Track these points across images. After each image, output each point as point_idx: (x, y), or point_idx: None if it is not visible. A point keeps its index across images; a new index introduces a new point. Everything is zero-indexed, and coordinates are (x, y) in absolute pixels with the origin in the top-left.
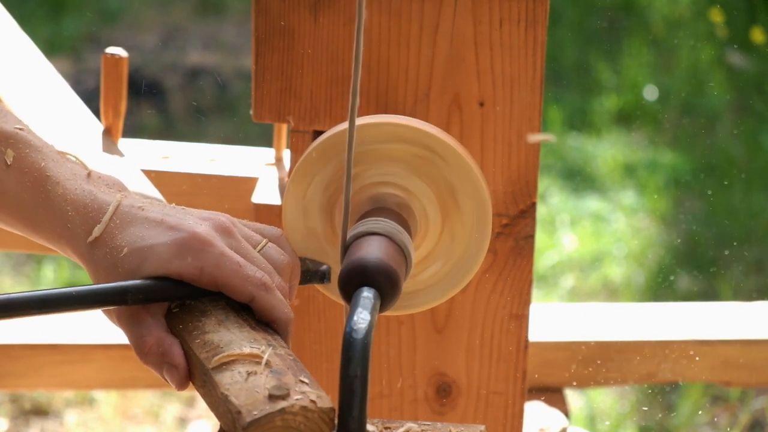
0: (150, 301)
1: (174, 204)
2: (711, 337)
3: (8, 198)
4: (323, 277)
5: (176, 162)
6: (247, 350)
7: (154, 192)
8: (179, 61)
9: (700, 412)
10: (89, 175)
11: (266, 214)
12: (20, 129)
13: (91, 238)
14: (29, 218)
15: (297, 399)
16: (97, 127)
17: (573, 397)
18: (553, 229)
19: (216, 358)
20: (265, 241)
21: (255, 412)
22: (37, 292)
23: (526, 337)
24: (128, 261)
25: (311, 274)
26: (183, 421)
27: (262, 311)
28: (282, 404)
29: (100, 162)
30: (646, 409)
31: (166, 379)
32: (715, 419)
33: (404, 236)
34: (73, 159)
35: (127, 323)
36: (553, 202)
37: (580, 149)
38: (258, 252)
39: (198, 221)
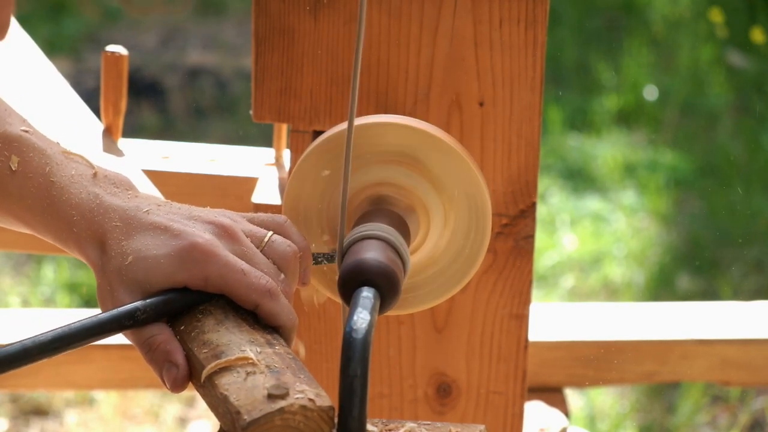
0: (159, 317)
1: (179, 204)
2: (710, 337)
3: (14, 202)
4: (332, 257)
5: (176, 162)
6: (242, 353)
7: (154, 192)
8: (179, 61)
9: (700, 412)
10: (95, 175)
11: None
12: (25, 131)
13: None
14: (35, 222)
15: (296, 398)
16: (98, 126)
17: (573, 397)
18: (553, 229)
19: (210, 366)
20: (269, 234)
21: (254, 412)
22: (47, 334)
23: (526, 337)
24: (133, 270)
25: (321, 254)
26: (183, 421)
27: (266, 318)
28: (281, 403)
29: (103, 161)
30: (646, 409)
31: (163, 380)
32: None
33: (401, 241)
34: (79, 159)
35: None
36: (553, 202)
37: (580, 149)
38: (264, 247)
39: (202, 227)
